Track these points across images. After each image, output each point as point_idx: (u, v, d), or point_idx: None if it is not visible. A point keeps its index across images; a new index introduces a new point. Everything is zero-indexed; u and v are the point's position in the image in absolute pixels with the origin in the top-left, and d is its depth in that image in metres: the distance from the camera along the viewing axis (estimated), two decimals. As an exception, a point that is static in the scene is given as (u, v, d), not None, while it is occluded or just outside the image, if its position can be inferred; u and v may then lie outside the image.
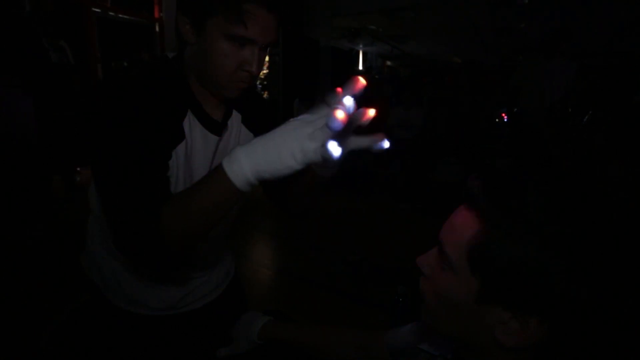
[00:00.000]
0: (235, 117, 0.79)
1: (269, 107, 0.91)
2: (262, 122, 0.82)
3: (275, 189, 0.82)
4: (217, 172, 0.53)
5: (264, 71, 5.35)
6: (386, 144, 0.51)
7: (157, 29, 4.12)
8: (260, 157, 0.50)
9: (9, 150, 2.33)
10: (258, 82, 5.43)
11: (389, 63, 11.46)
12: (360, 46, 8.93)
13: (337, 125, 0.45)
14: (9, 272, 1.93)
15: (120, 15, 3.80)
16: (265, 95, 5.36)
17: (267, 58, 5.26)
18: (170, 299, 0.83)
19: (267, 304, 1.50)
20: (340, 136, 0.48)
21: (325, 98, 0.51)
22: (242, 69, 0.66)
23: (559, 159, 3.09)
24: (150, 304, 0.82)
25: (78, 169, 2.75)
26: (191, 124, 0.71)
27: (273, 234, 3.00)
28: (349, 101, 0.47)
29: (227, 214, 0.57)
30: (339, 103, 0.47)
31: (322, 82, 5.63)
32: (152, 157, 0.63)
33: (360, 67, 9.39)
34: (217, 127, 0.75)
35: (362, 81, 0.48)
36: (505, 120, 4.76)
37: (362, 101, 0.49)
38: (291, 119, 0.51)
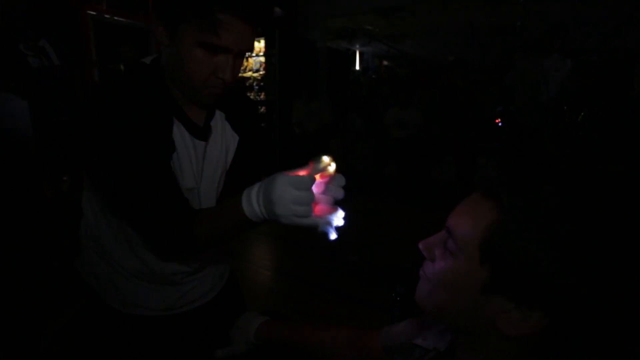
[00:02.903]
0: (219, 116, 0.79)
1: (252, 104, 0.92)
2: (245, 121, 0.83)
3: None
4: (238, 210, 0.59)
5: (261, 72, 5.35)
6: (333, 236, 0.55)
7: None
8: (269, 211, 0.55)
9: (7, 153, 2.32)
10: (255, 84, 5.43)
11: (385, 63, 11.46)
12: (357, 46, 8.93)
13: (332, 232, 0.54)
14: (6, 276, 1.93)
15: (116, 18, 3.79)
16: (262, 96, 5.35)
17: (263, 59, 5.27)
18: (167, 300, 0.84)
19: (267, 305, 1.50)
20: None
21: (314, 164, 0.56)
22: (215, 75, 0.65)
23: (556, 156, 3.10)
24: (146, 305, 0.82)
25: (65, 178, 2.72)
26: (180, 133, 0.71)
27: (272, 235, 3.00)
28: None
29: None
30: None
31: (318, 82, 5.63)
32: (166, 169, 0.68)
33: (357, 67, 9.40)
34: (202, 133, 0.75)
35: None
36: (500, 124, 4.77)
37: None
38: (283, 178, 0.53)
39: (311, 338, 0.74)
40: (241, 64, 0.69)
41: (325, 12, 5.66)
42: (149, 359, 0.85)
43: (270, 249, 2.90)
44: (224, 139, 0.80)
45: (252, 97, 5.32)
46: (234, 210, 0.59)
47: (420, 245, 0.48)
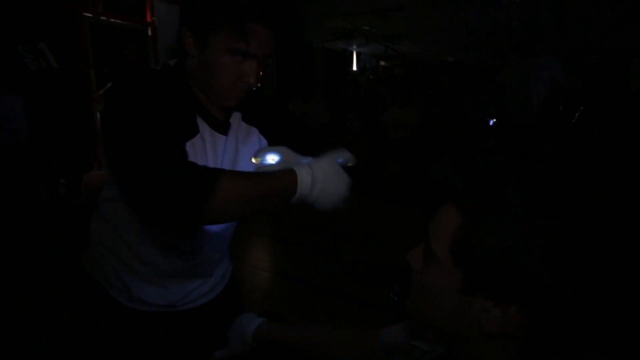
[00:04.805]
0: (236, 116, 0.84)
1: (265, 100, 0.94)
2: (260, 116, 0.88)
3: None
4: (288, 176, 0.64)
5: (259, 74, 5.35)
6: None
7: (149, 33, 4.11)
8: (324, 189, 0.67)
9: (3, 156, 2.31)
10: (252, 85, 5.42)
11: (383, 63, 11.48)
12: (354, 47, 8.95)
13: None
14: (7, 277, 1.92)
15: (112, 20, 3.79)
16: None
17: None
18: (171, 297, 0.86)
19: (265, 306, 1.50)
20: None
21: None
22: (241, 80, 0.71)
23: (551, 155, 3.12)
24: (151, 301, 0.84)
25: (62, 180, 2.70)
26: (201, 126, 0.76)
27: (270, 237, 3.01)
28: None
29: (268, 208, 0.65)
30: None
31: (316, 83, 5.64)
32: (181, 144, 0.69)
33: (355, 68, 9.41)
34: (223, 127, 0.79)
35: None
36: (491, 123, 4.79)
37: None
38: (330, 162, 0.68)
39: (309, 339, 0.74)
40: (262, 68, 0.75)
41: (322, 13, 5.67)
42: (150, 354, 0.87)
43: (268, 250, 2.91)
44: (237, 135, 0.84)
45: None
46: (278, 179, 0.63)
47: (407, 257, 0.51)
